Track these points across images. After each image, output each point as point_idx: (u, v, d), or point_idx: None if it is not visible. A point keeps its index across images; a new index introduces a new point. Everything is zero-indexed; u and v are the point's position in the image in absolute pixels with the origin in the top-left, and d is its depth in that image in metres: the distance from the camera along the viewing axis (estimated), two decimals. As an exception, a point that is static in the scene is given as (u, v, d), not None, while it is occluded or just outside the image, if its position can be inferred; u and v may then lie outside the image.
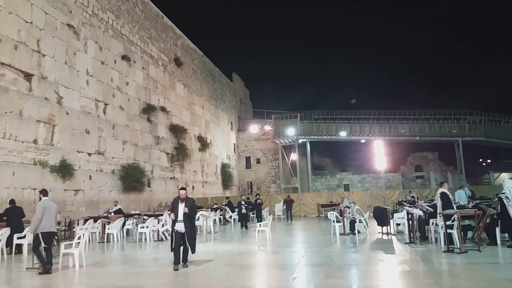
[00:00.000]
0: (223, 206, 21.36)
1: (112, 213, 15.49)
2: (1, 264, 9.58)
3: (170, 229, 9.08)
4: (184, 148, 25.16)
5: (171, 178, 23.75)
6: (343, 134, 34.14)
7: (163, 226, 13.42)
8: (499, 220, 9.47)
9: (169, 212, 9.43)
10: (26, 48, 13.84)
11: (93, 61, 17.43)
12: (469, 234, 10.46)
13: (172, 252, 8.06)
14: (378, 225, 13.14)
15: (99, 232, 13.78)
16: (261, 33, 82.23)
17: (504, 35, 68.70)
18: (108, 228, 13.55)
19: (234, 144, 37.35)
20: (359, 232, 12.97)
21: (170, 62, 25.21)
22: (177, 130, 24.54)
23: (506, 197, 9.15)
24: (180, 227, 8.07)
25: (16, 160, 13.05)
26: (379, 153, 26.21)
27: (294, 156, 34.80)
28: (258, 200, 20.14)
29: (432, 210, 10.66)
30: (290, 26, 79.63)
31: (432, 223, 10.29)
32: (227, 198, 23.55)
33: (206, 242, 12.49)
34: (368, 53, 78.12)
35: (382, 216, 12.82)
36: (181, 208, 8.14)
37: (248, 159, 37.61)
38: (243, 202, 17.72)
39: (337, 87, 78.35)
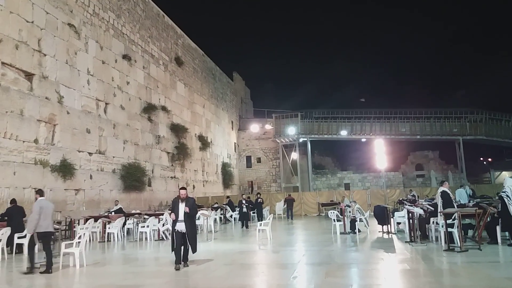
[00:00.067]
0: (224, 205, 21.38)
1: (113, 213, 15.52)
2: (2, 263, 9.59)
3: (170, 228, 9.09)
4: (185, 148, 25.16)
5: (171, 177, 23.76)
6: (343, 133, 34.10)
7: (163, 225, 13.43)
8: (500, 219, 9.49)
9: (170, 211, 9.43)
10: (27, 47, 13.85)
11: (94, 61, 17.44)
12: (470, 232, 10.46)
13: (173, 252, 8.06)
14: (378, 224, 13.16)
15: (100, 232, 13.81)
16: (262, 33, 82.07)
17: (505, 34, 68.55)
18: (109, 228, 13.57)
19: (235, 143, 37.33)
20: (359, 231, 12.98)
21: (171, 61, 25.21)
22: (177, 130, 24.54)
23: (507, 195, 9.16)
24: (181, 227, 8.07)
25: (17, 160, 13.07)
26: (379, 152, 26.19)
27: (294, 155, 34.79)
28: (259, 199, 20.14)
29: (432, 209, 10.66)
30: (291, 25, 79.50)
31: (433, 222, 10.30)
32: (228, 197, 23.56)
33: (207, 241, 12.51)
34: (368, 52, 77.93)
35: (382, 215, 12.85)
36: (182, 207, 8.14)
37: (248, 158, 37.60)
38: (243, 201, 17.75)
39: (338, 86, 78.12)
